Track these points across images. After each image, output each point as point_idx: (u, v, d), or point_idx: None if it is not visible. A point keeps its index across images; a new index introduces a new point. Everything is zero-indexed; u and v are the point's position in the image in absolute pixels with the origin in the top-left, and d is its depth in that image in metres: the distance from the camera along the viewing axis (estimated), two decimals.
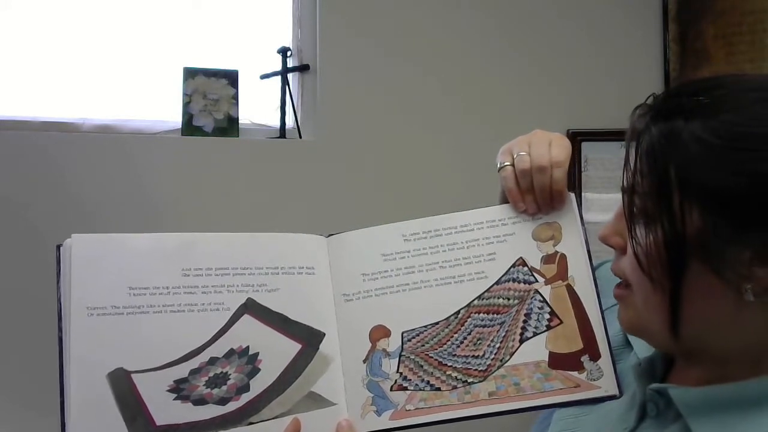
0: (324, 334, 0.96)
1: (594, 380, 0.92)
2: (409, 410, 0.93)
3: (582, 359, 0.92)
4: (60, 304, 0.89)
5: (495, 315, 0.96)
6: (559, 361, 0.93)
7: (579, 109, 2.35)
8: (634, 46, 2.40)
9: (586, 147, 2.33)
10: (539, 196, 0.95)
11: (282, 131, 2.18)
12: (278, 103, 2.18)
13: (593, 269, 0.96)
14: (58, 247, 0.91)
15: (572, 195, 0.98)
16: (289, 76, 2.20)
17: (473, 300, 0.97)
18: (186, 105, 2.11)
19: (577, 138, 2.33)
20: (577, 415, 0.91)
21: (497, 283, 0.97)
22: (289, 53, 2.21)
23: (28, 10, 2.06)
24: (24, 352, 1.89)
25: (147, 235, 0.95)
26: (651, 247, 0.76)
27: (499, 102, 2.30)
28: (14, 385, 1.90)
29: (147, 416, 0.88)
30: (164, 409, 0.88)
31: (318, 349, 0.95)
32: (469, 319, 0.96)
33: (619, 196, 0.84)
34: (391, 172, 2.23)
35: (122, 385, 0.88)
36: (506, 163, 0.96)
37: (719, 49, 2.29)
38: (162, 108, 2.14)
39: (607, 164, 2.32)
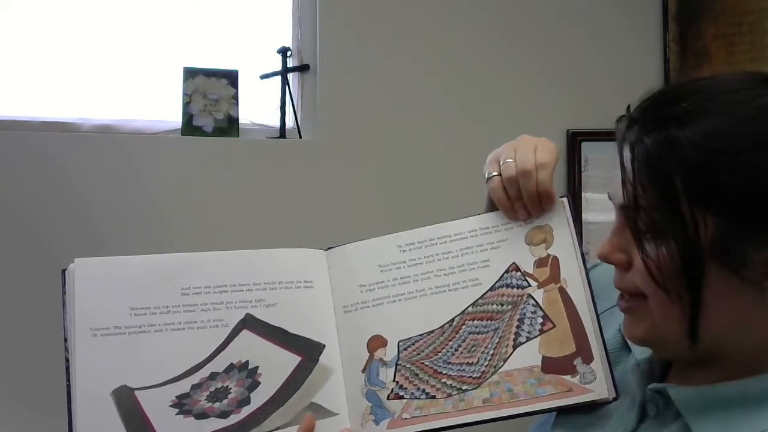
0: (324, 346, 0.97)
1: (587, 384, 0.91)
2: (406, 419, 0.94)
3: (575, 362, 0.93)
4: (66, 326, 0.93)
5: (489, 321, 0.96)
6: (552, 365, 0.93)
7: (579, 109, 2.35)
8: (634, 46, 2.39)
9: (586, 147, 2.34)
10: (527, 200, 0.96)
11: (282, 131, 2.18)
12: (278, 103, 2.18)
13: (587, 270, 0.96)
14: (64, 271, 0.94)
15: (564, 199, 0.98)
16: (289, 76, 2.19)
17: (467, 307, 0.97)
18: (186, 105, 2.10)
19: (577, 138, 2.33)
20: (578, 416, 0.92)
21: (491, 289, 0.98)
22: (289, 53, 2.21)
23: (28, 10, 2.06)
24: (24, 353, 1.90)
25: (147, 256, 0.98)
26: (664, 260, 0.75)
27: (499, 102, 2.30)
28: (15, 386, 1.91)
29: (151, 431, 0.91)
30: (168, 423, 0.91)
31: (318, 360, 0.96)
32: (463, 327, 0.97)
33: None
34: (390, 172, 2.23)
35: (127, 401, 0.91)
36: (493, 174, 0.96)
37: (719, 49, 2.29)
38: (162, 108, 2.14)
39: (607, 164, 2.31)
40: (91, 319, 0.93)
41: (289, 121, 2.21)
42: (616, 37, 2.39)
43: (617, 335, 0.96)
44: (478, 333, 0.96)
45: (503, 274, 0.98)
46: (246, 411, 0.93)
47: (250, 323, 0.96)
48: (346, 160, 2.19)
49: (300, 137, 2.21)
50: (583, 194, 2.32)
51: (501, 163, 0.95)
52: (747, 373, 0.77)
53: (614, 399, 0.90)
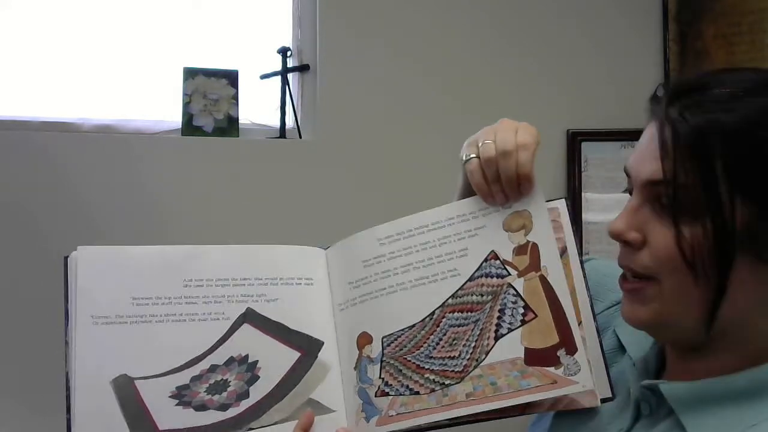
0: (323, 343, 0.97)
1: (571, 375, 0.89)
2: (392, 416, 0.92)
3: (558, 354, 0.90)
4: (66, 314, 0.92)
5: (469, 313, 0.94)
6: (535, 357, 0.90)
7: (579, 109, 2.35)
8: (634, 46, 2.39)
9: (586, 147, 2.33)
10: (505, 183, 0.92)
11: (282, 131, 2.18)
12: (278, 103, 2.18)
13: (584, 267, 0.94)
14: (66, 258, 0.94)
15: (563, 200, 0.96)
16: (289, 76, 2.19)
17: (447, 299, 0.95)
18: (186, 105, 2.10)
19: (577, 138, 2.33)
20: (574, 417, 0.91)
21: (470, 279, 0.95)
22: (289, 53, 2.21)
23: (28, 10, 2.06)
24: (23, 353, 1.90)
25: (150, 247, 0.98)
26: (697, 240, 0.75)
27: (499, 102, 2.30)
28: (15, 386, 1.91)
29: (150, 421, 0.91)
30: (167, 414, 0.91)
31: (317, 357, 0.96)
32: (444, 320, 0.94)
33: (619, 195, 0.83)
34: (391, 172, 2.23)
35: (126, 391, 0.91)
36: (472, 156, 0.93)
37: (719, 49, 2.29)
38: (162, 108, 2.14)
39: (607, 164, 2.32)
40: (93, 306, 0.92)
41: (289, 121, 2.21)
42: (616, 37, 2.38)
43: (612, 336, 0.95)
44: (459, 325, 0.94)
45: (482, 263, 0.95)
46: (245, 405, 0.93)
47: (251, 317, 0.96)
48: (346, 160, 2.19)
49: (300, 137, 2.21)
50: (583, 194, 2.32)
51: (480, 144, 0.93)
52: (740, 367, 0.78)
53: (610, 399, 0.89)
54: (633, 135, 2.30)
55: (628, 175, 0.83)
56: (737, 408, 0.76)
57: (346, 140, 2.20)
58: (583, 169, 2.33)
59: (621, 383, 0.90)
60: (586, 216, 2.29)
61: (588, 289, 0.93)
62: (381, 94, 2.23)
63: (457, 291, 0.95)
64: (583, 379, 0.88)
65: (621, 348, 0.94)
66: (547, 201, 0.97)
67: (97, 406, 0.89)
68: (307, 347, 0.96)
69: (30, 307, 1.90)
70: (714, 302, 0.76)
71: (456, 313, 0.94)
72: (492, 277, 0.94)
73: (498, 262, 0.94)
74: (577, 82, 2.36)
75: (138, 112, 2.13)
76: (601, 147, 2.32)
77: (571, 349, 0.90)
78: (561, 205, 0.96)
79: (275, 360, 0.95)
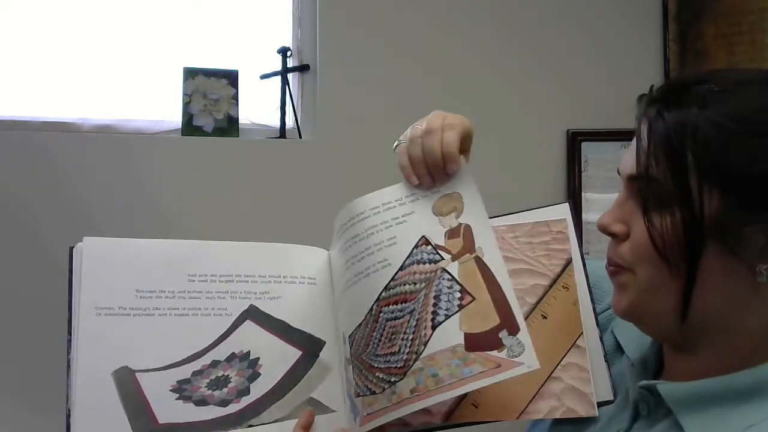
0: (324, 342, 0.97)
1: (515, 357, 0.84)
2: (365, 415, 0.90)
3: (500, 335, 0.85)
4: (70, 305, 0.92)
5: (404, 304, 0.89)
6: (476, 342, 0.85)
7: (579, 109, 2.35)
8: (634, 46, 2.39)
9: (586, 147, 2.33)
10: (431, 164, 0.92)
11: (282, 131, 2.18)
12: (278, 103, 2.18)
13: (585, 264, 0.94)
14: (71, 249, 0.94)
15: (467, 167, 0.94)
16: (289, 76, 2.19)
17: (381, 292, 0.91)
18: (186, 105, 2.10)
19: (577, 138, 2.33)
20: (574, 417, 0.91)
21: (401, 268, 0.91)
22: (289, 53, 2.21)
23: (28, 10, 2.06)
24: (24, 353, 1.89)
25: (155, 240, 0.99)
26: (667, 230, 0.76)
27: (499, 102, 2.30)
28: (15, 386, 1.90)
29: (150, 414, 0.90)
30: (167, 407, 0.91)
31: (318, 356, 0.96)
32: (381, 315, 0.91)
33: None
34: (391, 172, 2.20)
35: (127, 382, 0.91)
36: (401, 140, 0.95)
37: (719, 49, 2.29)
38: (162, 108, 2.14)
39: (607, 164, 2.32)
40: (96, 297, 0.92)
41: (289, 121, 2.21)
42: (616, 37, 2.39)
43: (610, 337, 0.96)
44: (395, 318, 0.89)
45: (413, 250, 0.91)
46: (245, 401, 0.92)
47: (254, 314, 0.96)
48: (346, 160, 2.19)
49: (300, 137, 2.21)
50: (583, 194, 2.32)
51: (410, 129, 0.94)
52: (737, 366, 0.77)
53: (611, 402, 0.89)
54: (633, 135, 2.31)
55: (619, 174, 0.85)
56: (736, 408, 0.76)
57: (346, 140, 2.20)
58: (583, 169, 2.33)
59: (619, 384, 0.90)
60: (586, 216, 2.29)
61: (593, 302, 0.93)
62: (381, 94, 2.23)
63: (390, 282, 0.91)
64: (528, 359, 0.84)
65: (619, 349, 0.94)
66: (550, 206, 0.97)
67: (98, 398, 0.89)
68: (309, 346, 0.96)
69: (30, 307, 1.90)
70: (686, 291, 0.77)
71: (391, 306, 0.90)
72: (424, 263, 0.90)
73: (429, 247, 0.91)
74: (577, 82, 2.36)
75: (138, 112, 2.12)
76: (601, 147, 2.32)
77: (513, 329, 0.86)
78: (567, 216, 0.95)
79: (276, 357, 0.95)
